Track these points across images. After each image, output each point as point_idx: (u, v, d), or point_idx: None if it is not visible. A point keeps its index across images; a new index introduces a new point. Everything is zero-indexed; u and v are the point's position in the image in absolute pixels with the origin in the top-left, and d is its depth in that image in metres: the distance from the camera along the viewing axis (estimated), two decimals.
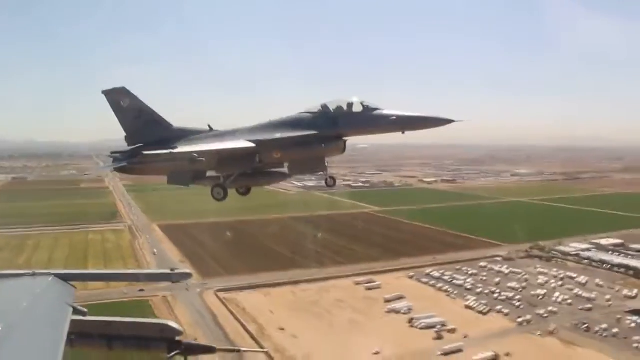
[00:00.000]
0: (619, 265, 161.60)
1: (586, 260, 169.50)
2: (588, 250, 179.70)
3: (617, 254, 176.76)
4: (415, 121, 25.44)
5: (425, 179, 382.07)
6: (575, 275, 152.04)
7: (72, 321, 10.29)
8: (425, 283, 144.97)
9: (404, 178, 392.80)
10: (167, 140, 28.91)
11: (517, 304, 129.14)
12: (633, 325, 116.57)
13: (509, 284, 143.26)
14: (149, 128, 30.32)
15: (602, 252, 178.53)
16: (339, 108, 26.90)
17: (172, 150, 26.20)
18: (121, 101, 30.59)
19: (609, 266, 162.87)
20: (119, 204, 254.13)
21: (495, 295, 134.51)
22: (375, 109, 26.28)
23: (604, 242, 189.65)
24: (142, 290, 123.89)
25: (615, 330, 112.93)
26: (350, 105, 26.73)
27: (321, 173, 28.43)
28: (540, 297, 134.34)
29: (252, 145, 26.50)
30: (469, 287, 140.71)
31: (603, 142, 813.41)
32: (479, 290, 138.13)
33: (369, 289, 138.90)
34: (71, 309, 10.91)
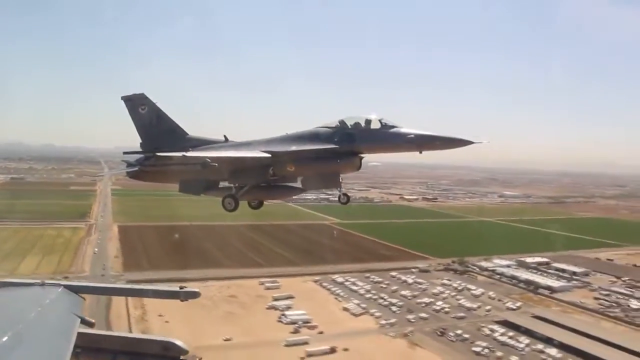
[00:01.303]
0: (524, 281, 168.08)
1: (498, 275, 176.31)
2: (508, 266, 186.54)
3: (535, 271, 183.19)
4: (434, 141, 24.66)
5: (407, 197, 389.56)
6: (474, 288, 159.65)
7: (79, 334, 10.40)
8: (324, 287, 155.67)
9: (388, 195, 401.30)
10: (182, 148, 28.62)
11: (395, 309, 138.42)
12: (488, 332, 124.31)
13: (403, 292, 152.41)
14: (165, 135, 30.37)
15: (522, 269, 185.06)
16: (357, 124, 26.46)
17: (185, 154, 26.03)
18: (140, 107, 30.95)
19: (515, 281, 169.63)
20: (96, 206, 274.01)
21: (380, 301, 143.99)
22: (393, 127, 25.67)
23: (529, 260, 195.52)
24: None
25: (466, 336, 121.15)
26: (368, 121, 26.25)
27: (335, 189, 27.55)
28: (423, 305, 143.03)
29: (267, 155, 26.01)
30: (362, 292, 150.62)
31: (616, 168, 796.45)
32: (369, 295, 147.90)
33: (268, 288, 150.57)
34: (79, 320, 11.09)
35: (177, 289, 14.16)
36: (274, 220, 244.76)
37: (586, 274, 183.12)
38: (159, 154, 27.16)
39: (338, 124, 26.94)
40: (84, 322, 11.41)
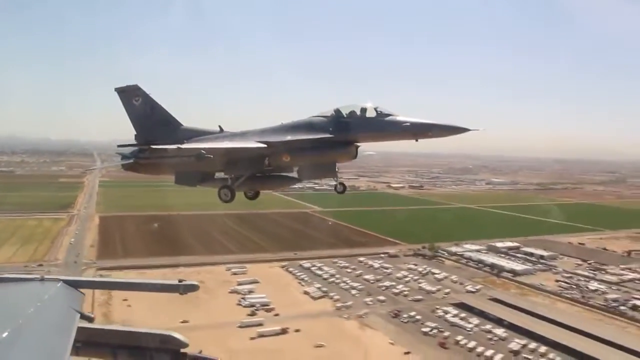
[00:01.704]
0: (490, 265, 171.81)
1: (465, 260, 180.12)
2: (478, 251, 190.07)
3: (504, 255, 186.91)
4: (430, 129, 24.44)
5: (394, 185, 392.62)
6: (438, 272, 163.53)
7: (78, 329, 10.42)
8: (290, 272, 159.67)
9: (375, 183, 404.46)
10: (177, 140, 28.75)
11: (355, 292, 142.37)
12: (441, 313, 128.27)
13: (366, 276, 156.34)
14: (159, 127, 30.29)
15: (491, 253, 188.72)
16: (352, 113, 26.23)
17: (180, 146, 25.87)
18: (133, 99, 30.74)
19: (481, 265, 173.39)
20: (81, 197, 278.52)
21: (342, 284, 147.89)
22: (389, 115, 25.48)
23: (500, 244, 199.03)
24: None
25: (419, 317, 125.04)
26: (363, 110, 26.06)
27: (331, 178, 27.37)
28: (384, 288, 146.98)
29: (263, 145, 25.99)
30: (325, 276, 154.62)
31: (615, 155, 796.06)
32: (332, 280, 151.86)
33: (235, 274, 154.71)
34: (78, 315, 11.09)
35: (176, 282, 14.09)
36: (255, 209, 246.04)
37: (553, 258, 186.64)
38: (153, 146, 26.70)
39: (333, 112, 26.73)
40: (83, 317, 11.38)
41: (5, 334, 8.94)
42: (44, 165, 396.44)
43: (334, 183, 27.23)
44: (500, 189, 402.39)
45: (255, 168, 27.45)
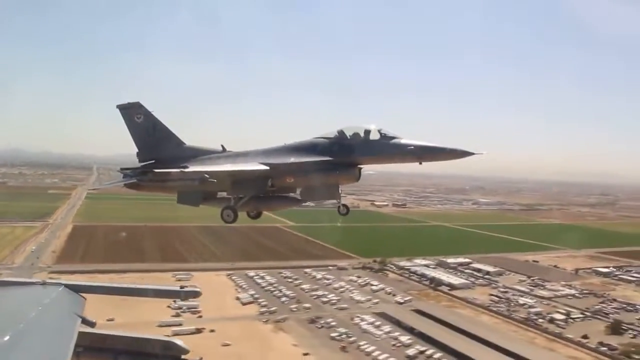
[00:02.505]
0: (430, 279, 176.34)
1: (408, 273, 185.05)
2: (427, 266, 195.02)
3: (452, 270, 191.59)
4: (434, 152, 24.68)
5: (378, 203, 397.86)
6: (377, 284, 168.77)
7: (80, 334, 10.68)
8: (233, 280, 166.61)
9: (360, 201, 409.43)
10: (179, 158, 28.95)
11: (285, 299, 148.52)
12: (358, 321, 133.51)
13: (303, 286, 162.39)
14: (161, 145, 30.46)
15: (440, 268, 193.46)
16: (356, 135, 26.25)
17: (183, 170, 26.06)
18: (135, 116, 30.86)
19: (422, 279, 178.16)
20: (63, 207, 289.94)
21: (276, 292, 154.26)
22: (393, 138, 25.55)
23: (451, 260, 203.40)
24: None
25: (334, 323, 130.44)
26: (367, 132, 26.07)
27: (334, 200, 27.29)
28: (315, 297, 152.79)
29: (266, 168, 26.23)
30: (264, 285, 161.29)
31: (617, 179, 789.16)
32: (268, 288, 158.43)
33: (179, 279, 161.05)
34: (79, 320, 11.56)
35: (178, 288, 14.48)
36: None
37: (499, 274, 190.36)
38: (156, 170, 26.94)
39: (337, 134, 26.73)
40: (84, 322, 11.48)
41: (6, 338, 8.82)
42: (40, 177, 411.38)
43: (337, 204, 27.26)
44: (486, 209, 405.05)
45: (258, 189, 27.49)
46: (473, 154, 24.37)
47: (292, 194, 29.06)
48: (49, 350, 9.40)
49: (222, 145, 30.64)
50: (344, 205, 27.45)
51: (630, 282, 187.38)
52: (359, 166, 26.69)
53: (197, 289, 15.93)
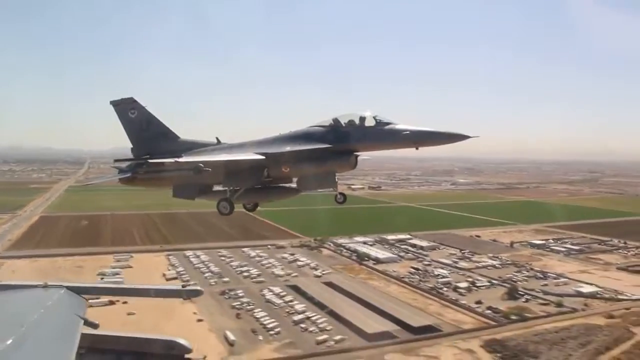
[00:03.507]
0: (359, 254, 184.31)
1: (341, 250, 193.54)
2: (364, 243, 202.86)
3: (389, 246, 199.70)
4: (429, 137, 24.74)
5: (354, 187, 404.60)
6: (304, 260, 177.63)
7: (82, 335, 10.44)
8: (169, 260, 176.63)
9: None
10: (174, 152, 28.74)
11: (208, 275, 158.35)
12: (265, 292, 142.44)
13: (233, 263, 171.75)
14: (156, 140, 30.40)
15: (378, 245, 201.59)
16: (351, 122, 26.28)
17: (177, 159, 26.05)
18: (129, 112, 30.88)
19: (352, 254, 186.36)
20: (37, 200, 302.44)
21: (204, 269, 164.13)
22: (388, 123, 25.63)
23: (391, 237, 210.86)
24: None
25: (242, 294, 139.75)
26: (362, 119, 26.10)
27: (331, 189, 27.12)
28: (239, 272, 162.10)
29: (261, 157, 26.07)
30: (195, 263, 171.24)
31: (615, 156, 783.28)
32: (198, 266, 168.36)
33: (118, 260, 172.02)
34: (82, 322, 11.29)
35: (180, 287, 14.59)
36: (192, 208, 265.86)
37: (433, 248, 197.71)
38: (150, 160, 27.17)
39: (332, 122, 26.81)
40: (87, 323, 11.53)
41: (9, 341, 8.90)
42: (28, 173, 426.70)
43: (334, 193, 27.23)
44: (462, 189, 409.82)
45: (254, 180, 27.45)
46: (468, 137, 24.51)
47: (288, 184, 28.94)
48: (51, 353, 9.43)
49: (217, 138, 30.72)
50: (341, 193, 27.45)
51: (559, 252, 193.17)
52: (355, 153, 26.71)
53: (198, 288, 16.89)
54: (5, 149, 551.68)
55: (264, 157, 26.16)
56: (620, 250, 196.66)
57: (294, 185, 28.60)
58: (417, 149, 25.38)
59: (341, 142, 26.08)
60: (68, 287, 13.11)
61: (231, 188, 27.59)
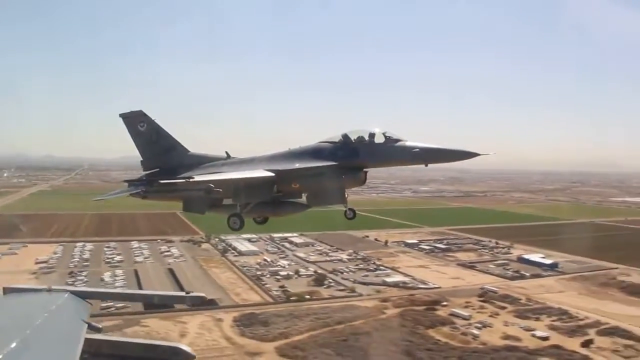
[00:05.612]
0: (232, 248, 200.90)
1: (221, 245, 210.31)
2: (249, 240, 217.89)
3: (270, 243, 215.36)
4: (439, 154, 24.81)
5: None
6: (174, 251, 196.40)
7: (86, 340, 10.72)
8: (54, 250, 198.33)
9: None
10: (183, 166, 29.54)
11: (76, 261, 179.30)
12: (107, 274, 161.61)
13: (108, 254, 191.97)
14: (166, 153, 31.03)
15: (260, 242, 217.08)
16: (360, 138, 26.50)
17: (188, 179, 26.24)
18: (138, 125, 31.51)
19: (227, 248, 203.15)
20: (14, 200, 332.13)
21: (76, 257, 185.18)
22: (398, 140, 25.77)
23: (278, 235, 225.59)
24: None
25: (82, 278, 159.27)
26: (372, 135, 26.30)
27: (341, 204, 27.46)
28: (106, 261, 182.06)
29: (271, 174, 26.46)
30: (75, 254, 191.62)
31: (617, 168, 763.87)
32: (75, 254, 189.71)
33: (10, 249, 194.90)
34: (86, 326, 11.67)
35: (184, 294, 15.10)
36: (142, 209, 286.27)
37: (306, 245, 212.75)
38: (162, 181, 27.20)
39: (341, 138, 27.16)
40: (91, 327, 12.02)
41: (13, 344, 9.29)
42: (7, 179, 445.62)
43: (343, 209, 27.51)
44: (417, 196, 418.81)
45: (264, 195, 27.80)
46: (478, 154, 24.70)
47: (298, 200, 29.26)
48: (55, 356, 9.82)
49: (227, 152, 31.23)
50: (350, 209, 27.85)
51: (421, 251, 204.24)
52: (365, 170, 27.11)
53: (202, 294, 16.81)
54: (8, 158, 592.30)
55: (273, 175, 26.79)
56: (484, 250, 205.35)
57: (303, 200, 29.07)
58: (426, 165, 25.70)
59: (350, 158, 26.54)
60: (72, 292, 13.22)
61: (241, 203, 28.05)
